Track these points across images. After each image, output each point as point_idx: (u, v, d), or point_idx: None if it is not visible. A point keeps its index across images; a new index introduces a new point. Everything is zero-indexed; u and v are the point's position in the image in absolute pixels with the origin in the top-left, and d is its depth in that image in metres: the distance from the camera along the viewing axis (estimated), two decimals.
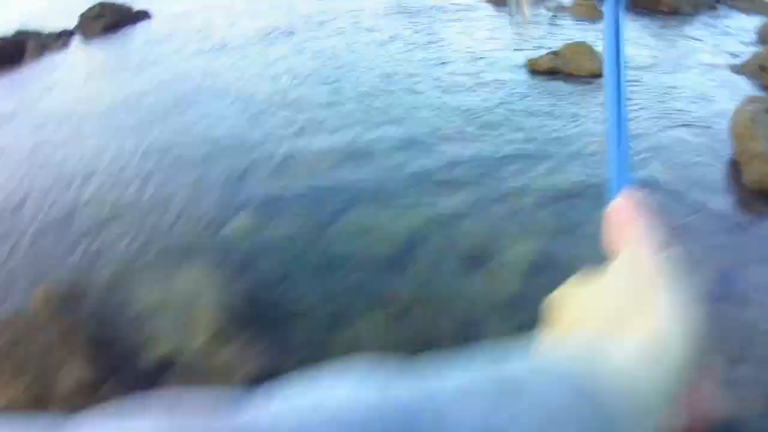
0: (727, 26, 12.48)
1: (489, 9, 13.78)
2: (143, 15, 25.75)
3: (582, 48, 9.19)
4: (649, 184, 5.65)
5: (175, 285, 4.80)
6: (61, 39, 24.21)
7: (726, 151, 6.19)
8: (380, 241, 5.12)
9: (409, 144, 6.82)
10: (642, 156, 6.25)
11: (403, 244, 5.05)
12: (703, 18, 13.17)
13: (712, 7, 14.23)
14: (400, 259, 4.86)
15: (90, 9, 24.74)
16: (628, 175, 0.61)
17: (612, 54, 0.72)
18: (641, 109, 7.60)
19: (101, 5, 24.68)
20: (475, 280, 4.60)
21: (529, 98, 8.12)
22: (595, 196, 5.28)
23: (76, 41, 23.92)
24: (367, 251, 4.98)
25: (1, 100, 14.22)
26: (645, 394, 0.41)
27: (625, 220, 0.55)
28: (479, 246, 4.96)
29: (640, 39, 11.16)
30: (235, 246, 5.24)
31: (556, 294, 0.55)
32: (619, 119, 0.64)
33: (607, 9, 0.79)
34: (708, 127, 6.93)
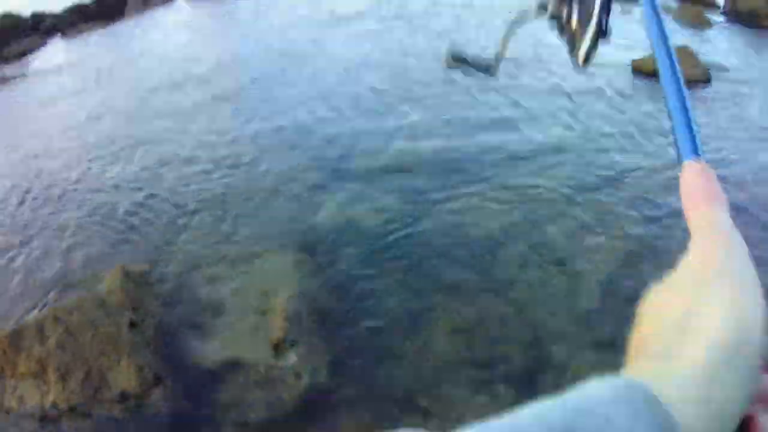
0: None
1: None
2: None
3: (684, 52, 9.20)
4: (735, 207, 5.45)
5: (253, 276, 4.73)
6: None
7: None
8: (467, 241, 4.99)
9: (514, 155, 6.51)
10: (734, 170, 6.06)
11: (492, 244, 4.92)
12: None
13: None
14: (485, 261, 4.74)
15: None
16: (695, 144, 0.59)
17: (659, 32, 0.74)
18: (736, 122, 7.50)
19: None
20: (559, 286, 4.44)
21: (632, 101, 8.11)
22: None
23: None
24: (453, 251, 4.86)
25: (103, 56, 14.57)
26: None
27: (696, 189, 0.54)
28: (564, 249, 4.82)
29: (743, 49, 11.10)
30: (321, 238, 5.12)
31: (644, 297, 0.51)
32: (679, 88, 0.65)
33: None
34: None
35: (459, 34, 10.91)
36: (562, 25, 1.07)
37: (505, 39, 1.30)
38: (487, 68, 1.36)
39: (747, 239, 0.48)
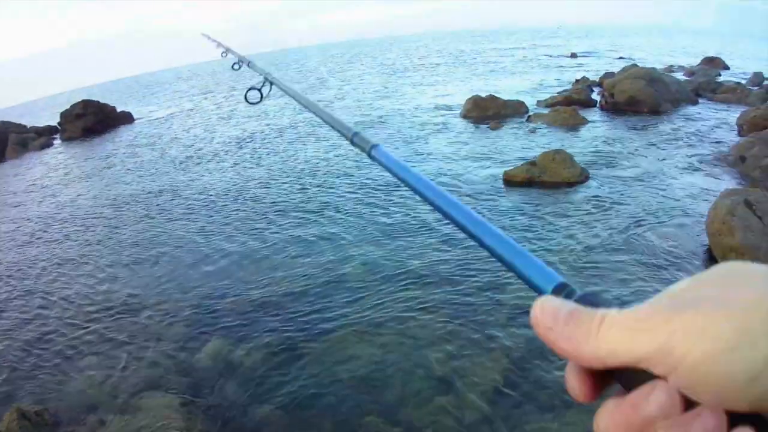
0: (707, 119, 12.75)
1: (466, 124, 14.26)
2: (126, 118, 26.31)
3: (558, 155, 8.99)
4: (622, 283, 5.52)
5: (142, 417, 4.59)
6: (42, 137, 24.37)
7: (703, 245, 6.17)
8: (351, 364, 4.90)
9: (375, 271, 6.50)
10: (615, 256, 6.13)
11: (374, 367, 4.83)
12: (684, 113, 13.54)
13: (693, 102, 14.73)
14: (371, 382, 4.62)
15: (73, 105, 24.80)
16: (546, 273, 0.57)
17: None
18: (618, 206, 7.56)
19: (84, 103, 24.73)
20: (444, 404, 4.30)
21: (504, 211, 7.88)
22: None
23: (57, 140, 24.32)
24: (338, 374, 4.77)
25: None
26: None
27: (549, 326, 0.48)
28: (449, 370, 4.63)
29: (622, 140, 11.25)
30: (203, 379, 5.01)
31: None
32: (498, 234, 0.65)
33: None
34: (683, 225, 6.84)
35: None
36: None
37: None
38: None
39: None
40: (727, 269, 0.42)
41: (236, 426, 4.34)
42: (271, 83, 2.18)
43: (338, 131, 1.28)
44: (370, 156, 1.05)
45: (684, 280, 0.43)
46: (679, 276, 5.45)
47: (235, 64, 3.11)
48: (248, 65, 2.66)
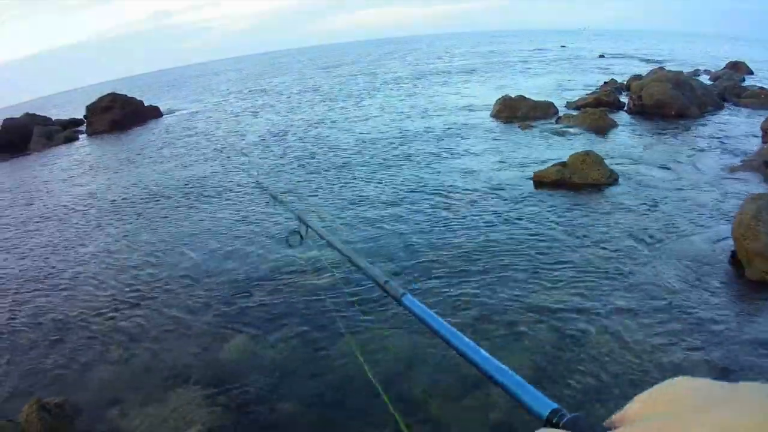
0: (733, 123, 12.62)
1: (496, 124, 14.26)
2: (154, 112, 26.64)
3: (590, 158, 9.04)
4: (653, 287, 5.43)
5: (166, 409, 4.55)
6: (67, 129, 24.70)
7: (729, 250, 6.06)
8: (378, 359, 4.81)
9: (411, 268, 6.46)
10: (643, 260, 6.05)
11: (401, 363, 4.71)
12: (710, 117, 13.38)
13: (719, 106, 14.54)
14: (396, 379, 4.52)
15: (100, 98, 24.77)
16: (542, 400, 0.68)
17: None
18: (645, 210, 7.48)
19: (112, 96, 24.81)
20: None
21: (535, 213, 7.82)
22: (587, 313, 4.95)
23: (82, 134, 24.36)
24: (366, 370, 4.51)
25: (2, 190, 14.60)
26: None
27: None
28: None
29: (649, 143, 11.20)
30: (228, 372, 4.94)
31: None
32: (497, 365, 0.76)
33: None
34: (709, 228, 6.77)
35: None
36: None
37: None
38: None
39: None
40: (670, 386, 0.46)
41: (261, 422, 4.28)
42: (308, 226, 2.32)
43: (371, 278, 1.34)
44: (400, 303, 1.13)
45: (635, 401, 0.48)
46: (705, 284, 5.48)
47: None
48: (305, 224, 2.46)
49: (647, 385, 0.47)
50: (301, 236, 2.37)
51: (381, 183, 9.93)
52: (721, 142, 10.84)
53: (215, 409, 4.46)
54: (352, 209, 8.60)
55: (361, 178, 10.36)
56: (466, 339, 0.87)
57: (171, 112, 27.33)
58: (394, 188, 9.45)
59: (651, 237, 6.63)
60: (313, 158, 12.47)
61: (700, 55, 35.03)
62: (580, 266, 5.99)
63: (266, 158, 13.19)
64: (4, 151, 21.12)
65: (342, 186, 9.94)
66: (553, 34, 79.39)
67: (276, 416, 4.32)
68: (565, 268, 5.98)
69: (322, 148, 13.55)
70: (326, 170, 11.19)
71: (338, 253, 1.69)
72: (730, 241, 6.03)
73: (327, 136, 14.96)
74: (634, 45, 47.52)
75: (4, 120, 23.54)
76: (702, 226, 6.86)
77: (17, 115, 25.20)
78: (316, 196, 9.56)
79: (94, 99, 24.88)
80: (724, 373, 4.09)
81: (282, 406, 4.42)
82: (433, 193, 8.88)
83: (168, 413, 4.48)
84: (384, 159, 11.60)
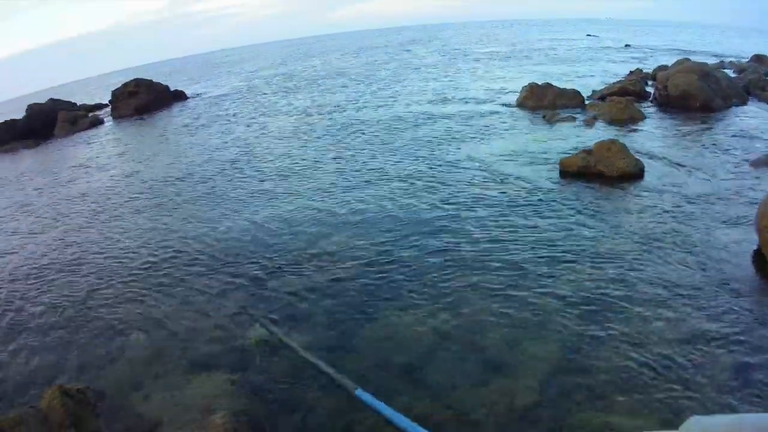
0: (758, 117, 12.46)
1: (522, 112, 14.25)
2: (179, 96, 26.97)
3: (617, 147, 9.01)
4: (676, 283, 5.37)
5: (189, 394, 4.58)
6: (92, 114, 25.02)
7: (753, 243, 6.00)
8: (402, 345, 4.81)
9: (435, 251, 6.54)
10: (667, 253, 6.01)
11: (426, 348, 4.73)
12: (736, 110, 13.21)
13: (743, 99, 14.30)
14: (422, 365, 4.53)
15: (125, 84, 25.12)
16: None
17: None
18: (670, 202, 7.46)
19: (137, 81, 25.10)
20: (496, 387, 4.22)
21: (561, 201, 7.84)
22: (612, 303, 4.96)
23: (107, 118, 24.60)
24: (389, 356, 4.64)
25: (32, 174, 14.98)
26: None
27: None
28: (501, 350, 4.58)
29: (675, 135, 11.12)
30: (251, 358, 4.95)
31: None
32: None
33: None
34: (734, 222, 6.72)
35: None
36: None
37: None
38: None
39: None
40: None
41: (284, 408, 4.25)
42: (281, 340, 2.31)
43: (340, 385, 1.42)
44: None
45: None
46: (728, 277, 5.41)
47: None
48: None
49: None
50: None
51: (418, 159, 10.52)
52: (745, 135, 10.68)
53: (239, 395, 4.45)
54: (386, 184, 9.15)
55: (390, 154, 10.97)
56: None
57: (197, 95, 27.58)
58: (427, 167, 9.82)
59: (675, 229, 6.60)
60: (347, 135, 13.29)
61: (725, 46, 34.41)
62: (604, 257, 6.00)
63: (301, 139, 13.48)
64: (28, 138, 21.39)
65: (365, 162, 10.55)
66: (579, 23, 78.38)
67: (297, 402, 4.31)
68: (585, 259, 6.01)
69: (354, 123, 14.46)
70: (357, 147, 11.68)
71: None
72: (754, 236, 5.98)
73: (356, 117, 15.66)
74: (660, 36, 46.74)
75: (27, 106, 23.88)
76: (726, 220, 6.83)
77: (41, 101, 25.58)
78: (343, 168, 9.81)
79: (116, 85, 25.27)
80: (744, 368, 4.05)
81: (305, 394, 4.36)
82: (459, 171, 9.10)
83: (191, 399, 4.49)
84: (413, 139, 12.16)
